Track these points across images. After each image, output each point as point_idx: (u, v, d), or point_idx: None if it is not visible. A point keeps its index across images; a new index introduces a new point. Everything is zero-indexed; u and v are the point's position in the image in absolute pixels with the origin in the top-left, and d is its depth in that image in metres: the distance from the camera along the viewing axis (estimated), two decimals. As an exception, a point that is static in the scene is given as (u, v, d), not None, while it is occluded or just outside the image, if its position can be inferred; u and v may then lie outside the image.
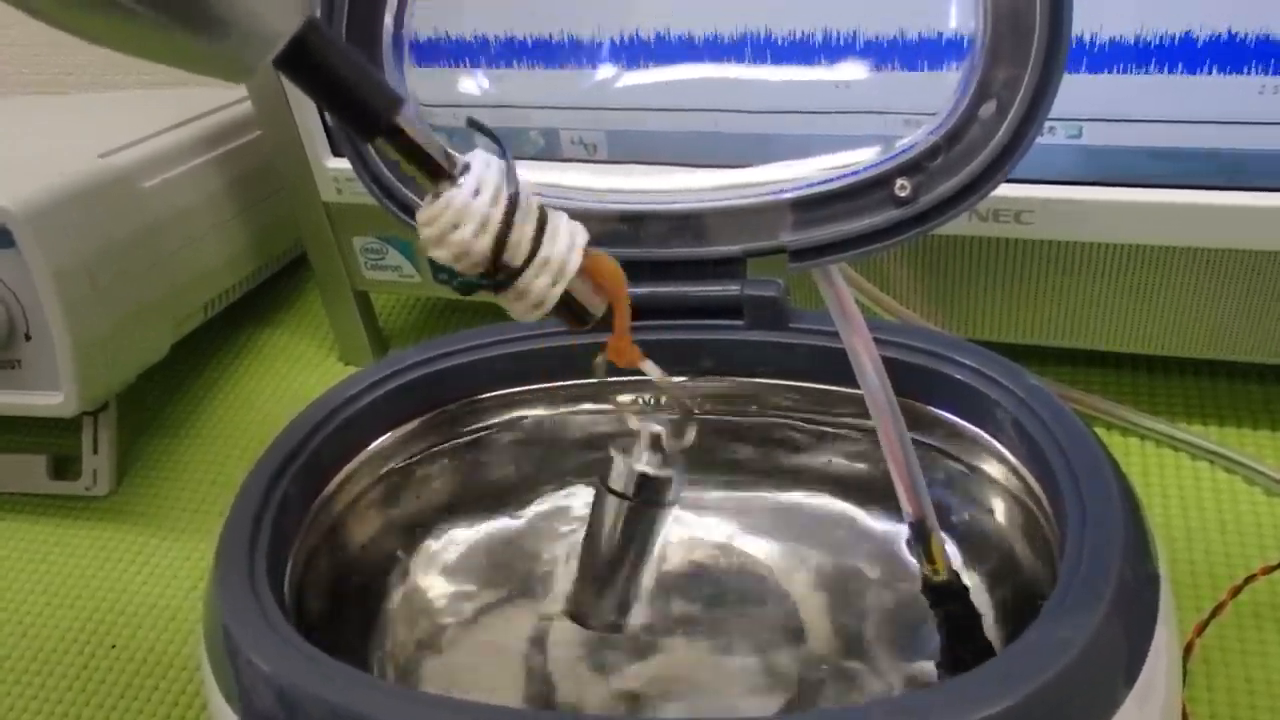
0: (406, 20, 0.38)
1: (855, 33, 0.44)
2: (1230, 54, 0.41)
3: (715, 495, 0.43)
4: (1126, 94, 0.42)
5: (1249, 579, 0.43)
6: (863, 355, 0.33)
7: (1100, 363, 0.56)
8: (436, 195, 0.27)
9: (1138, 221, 0.45)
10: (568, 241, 0.29)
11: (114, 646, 0.50)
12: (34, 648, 0.50)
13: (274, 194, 0.68)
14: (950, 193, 0.34)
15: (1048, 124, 0.34)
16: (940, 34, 0.43)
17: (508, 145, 0.28)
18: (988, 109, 0.33)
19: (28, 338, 0.53)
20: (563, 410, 0.42)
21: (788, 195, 0.36)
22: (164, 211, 0.59)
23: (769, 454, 0.42)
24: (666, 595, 0.40)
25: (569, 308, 0.29)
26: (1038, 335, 0.52)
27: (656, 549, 0.35)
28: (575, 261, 0.29)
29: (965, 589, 0.36)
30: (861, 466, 0.41)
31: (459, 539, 0.42)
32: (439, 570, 0.42)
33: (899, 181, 0.34)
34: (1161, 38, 0.41)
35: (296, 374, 0.67)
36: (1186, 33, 0.41)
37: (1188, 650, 0.41)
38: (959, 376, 0.36)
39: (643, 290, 0.38)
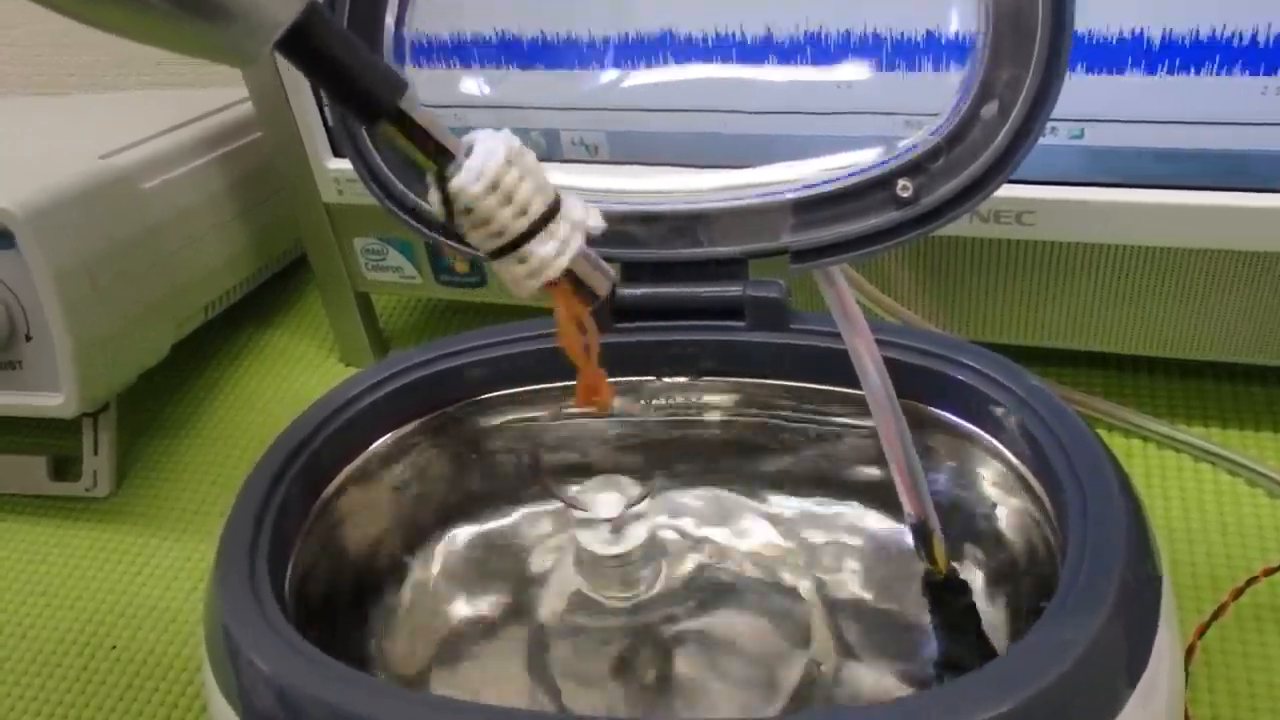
0: (407, 20, 0.38)
1: (857, 33, 0.44)
2: (1232, 55, 0.41)
3: (714, 495, 0.43)
4: (1128, 95, 0.42)
5: (1250, 581, 0.43)
6: (864, 356, 0.33)
7: (1102, 364, 0.56)
8: (444, 179, 0.27)
9: (1139, 222, 0.45)
10: (581, 210, 0.29)
11: (114, 647, 0.49)
12: (34, 649, 0.50)
13: (274, 195, 0.68)
14: (952, 194, 0.34)
15: (1049, 124, 0.34)
16: (942, 34, 0.43)
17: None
18: (990, 110, 0.33)
19: (28, 338, 0.53)
20: (564, 410, 0.42)
21: (789, 196, 0.36)
22: (164, 212, 0.59)
23: (769, 454, 0.42)
24: (667, 597, 0.40)
25: (574, 284, 0.29)
26: (1039, 336, 0.52)
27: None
28: (597, 218, 0.29)
29: (966, 589, 0.36)
30: (863, 467, 0.41)
31: (459, 540, 0.42)
32: (439, 571, 0.41)
33: (901, 182, 0.34)
34: (1163, 38, 0.41)
35: (297, 375, 0.67)
36: (1188, 33, 0.41)
37: (1189, 652, 0.41)
38: (960, 377, 0.36)
39: (644, 291, 0.38)
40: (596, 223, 0.29)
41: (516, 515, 0.43)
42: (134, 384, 0.58)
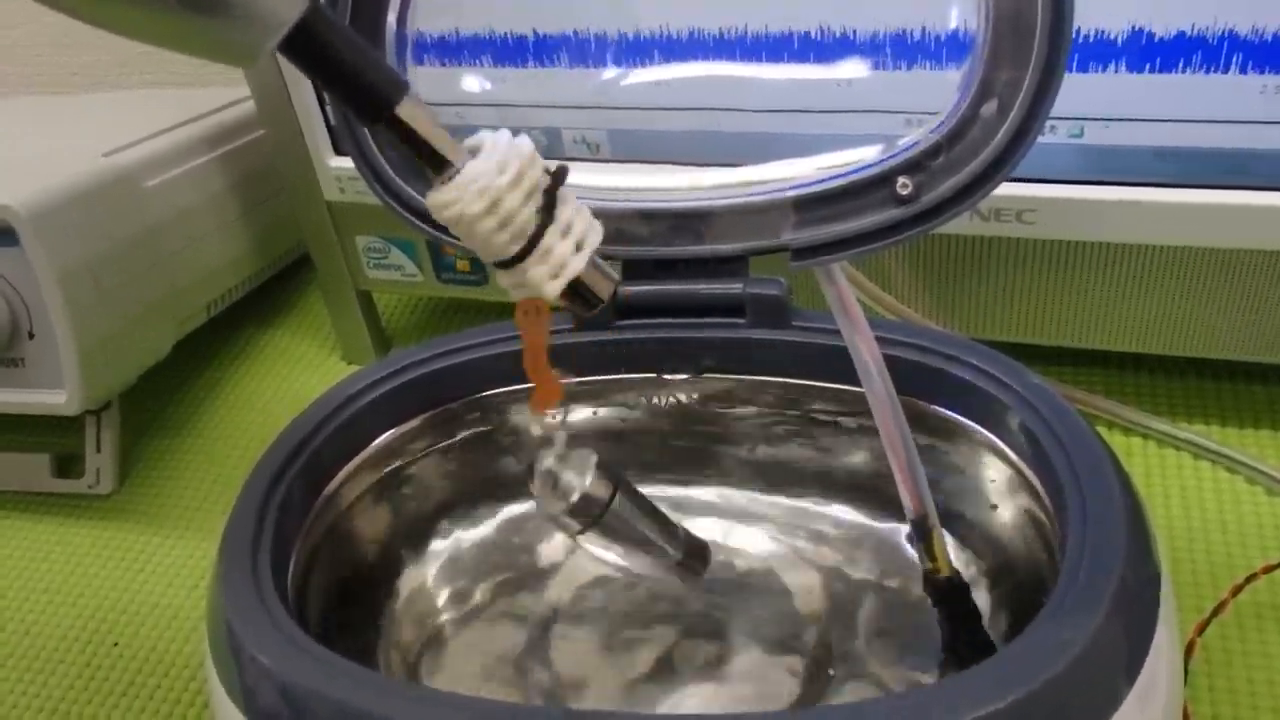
0: (409, 18, 0.38)
1: (857, 31, 0.44)
2: (1232, 53, 0.41)
3: (715, 493, 0.43)
4: (1128, 93, 0.42)
5: (1250, 578, 0.43)
6: (865, 353, 0.33)
7: (1102, 362, 0.56)
8: (445, 180, 0.27)
9: (1139, 221, 0.45)
10: (586, 221, 0.29)
11: (116, 645, 0.50)
12: (36, 646, 0.50)
13: (276, 194, 0.68)
14: (952, 191, 0.34)
15: (1049, 123, 0.34)
16: (942, 33, 0.43)
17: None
18: (989, 108, 0.33)
19: (31, 336, 0.53)
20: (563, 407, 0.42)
21: (790, 194, 0.36)
22: (167, 211, 0.59)
23: (771, 452, 0.42)
24: (667, 592, 0.40)
25: (577, 292, 0.29)
26: (1039, 334, 0.52)
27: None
28: (597, 229, 0.29)
29: (966, 586, 0.36)
30: (863, 465, 0.41)
31: (461, 536, 0.42)
32: (441, 567, 0.42)
33: (901, 180, 0.34)
34: (1163, 37, 0.41)
35: (299, 374, 0.67)
36: (1187, 32, 0.41)
37: (1189, 650, 0.41)
38: (961, 375, 0.36)
39: (645, 288, 0.38)
40: (595, 237, 0.29)
41: (517, 512, 0.43)
42: (136, 382, 0.58)
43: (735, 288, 0.38)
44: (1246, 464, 0.49)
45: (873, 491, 0.41)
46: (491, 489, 0.43)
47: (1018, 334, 0.52)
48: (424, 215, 0.39)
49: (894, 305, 0.53)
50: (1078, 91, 0.42)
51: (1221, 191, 0.43)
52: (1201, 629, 0.41)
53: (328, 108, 0.55)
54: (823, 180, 0.36)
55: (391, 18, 0.38)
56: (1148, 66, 0.42)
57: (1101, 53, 0.42)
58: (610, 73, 0.48)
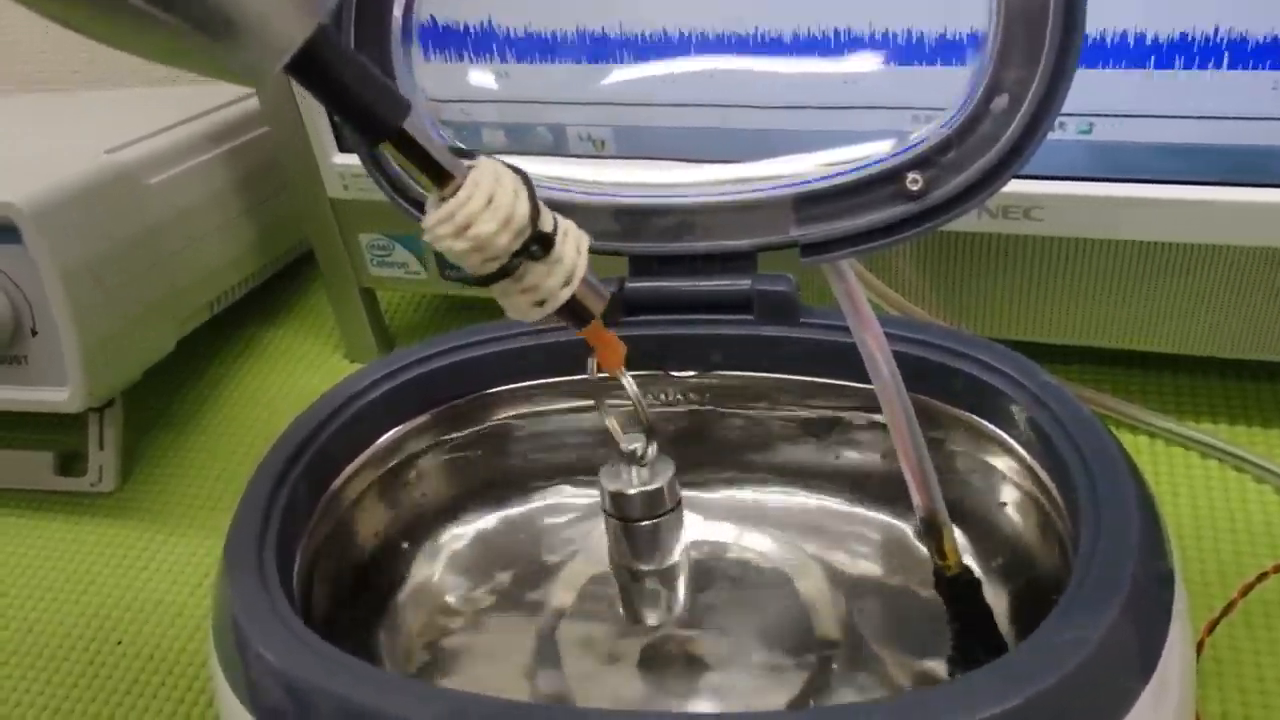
0: (415, 12, 0.38)
1: (865, 27, 0.43)
2: (1242, 51, 0.40)
3: (724, 491, 0.43)
4: (1137, 90, 0.42)
5: (1260, 577, 0.43)
6: (874, 350, 0.33)
7: (1110, 360, 0.55)
8: (442, 199, 0.27)
9: (1148, 218, 0.45)
10: (576, 242, 0.29)
11: (120, 643, 0.49)
12: (40, 644, 0.50)
13: (280, 191, 0.68)
14: (962, 187, 0.34)
15: (1058, 119, 0.34)
16: (952, 29, 0.42)
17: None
18: (999, 104, 0.33)
19: (34, 333, 0.53)
20: (569, 405, 0.42)
21: (799, 189, 0.36)
22: (170, 208, 0.59)
23: (779, 449, 0.42)
24: (675, 590, 0.40)
25: (570, 309, 0.30)
26: (1046, 332, 0.52)
27: (678, 548, 0.37)
28: (584, 264, 0.30)
29: (978, 583, 0.36)
30: (873, 462, 0.41)
31: (466, 533, 0.42)
32: (447, 564, 0.41)
33: (910, 176, 0.34)
34: (1173, 34, 0.41)
35: (301, 372, 0.67)
36: (1198, 29, 0.41)
37: (1198, 649, 0.40)
38: (972, 372, 0.36)
39: (652, 284, 0.38)
40: (584, 266, 0.30)
41: (523, 509, 0.43)
42: (139, 380, 0.58)
43: (743, 284, 0.38)
44: (1255, 463, 0.49)
45: (882, 488, 0.40)
46: (497, 486, 0.43)
47: (1025, 332, 0.52)
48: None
49: (901, 302, 0.53)
50: (1087, 88, 0.42)
51: (1231, 189, 0.43)
52: (1211, 628, 0.41)
53: (332, 104, 0.55)
54: (831, 176, 0.35)
55: (397, 13, 0.38)
56: (1158, 63, 0.41)
57: (1112, 49, 0.42)
58: (616, 69, 0.48)
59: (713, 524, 0.42)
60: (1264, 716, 0.39)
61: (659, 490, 0.36)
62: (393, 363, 0.40)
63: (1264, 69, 0.41)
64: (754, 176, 0.37)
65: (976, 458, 0.37)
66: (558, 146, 0.51)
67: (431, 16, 0.48)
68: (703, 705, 0.37)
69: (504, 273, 0.28)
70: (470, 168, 0.27)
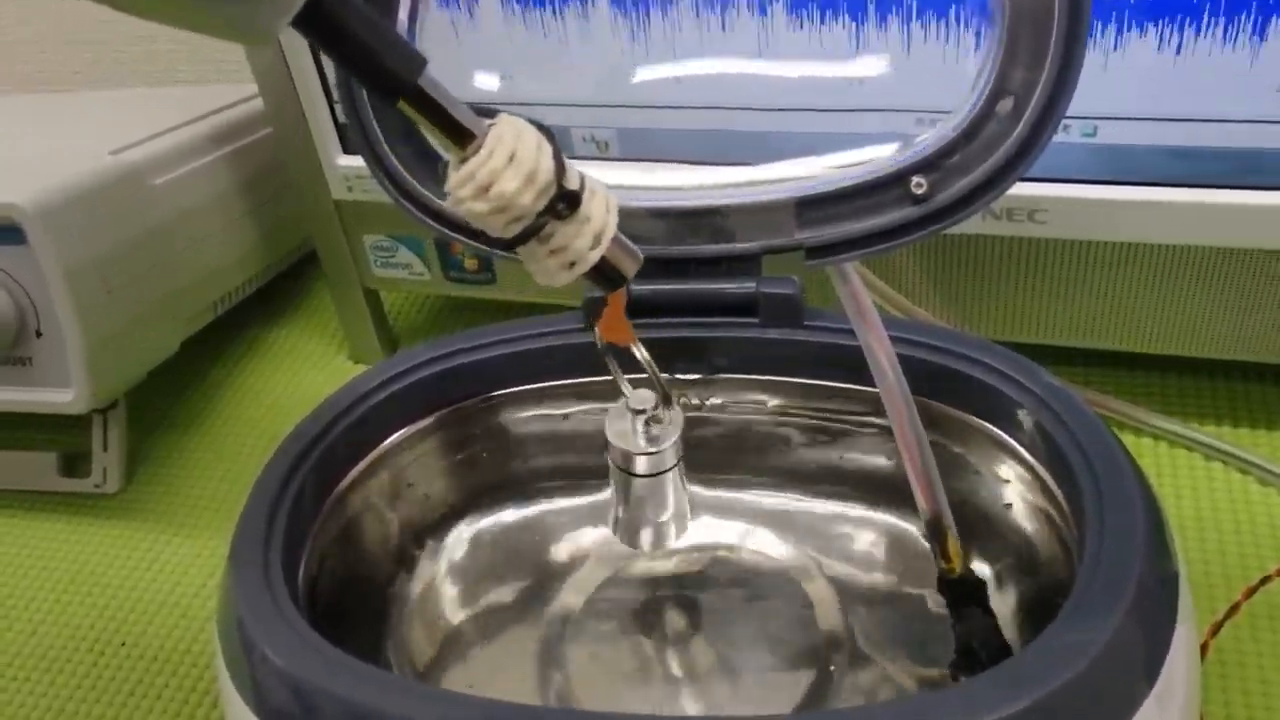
0: (420, 17, 0.38)
1: (870, 29, 0.43)
2: (1245, 53, 0.41)
3: (729, 494, 0.43)
4: (1141, 92, 0.42)
5: (1264, 580, 0.43)
6: (879, 353, 0.33)
7: (1113, 363, 0.55)
8: (462, 160, 0.26)
9: (1152, 220, 0.45)
10: (605, 200, 0.28)
11: (124, 644, 0.49)
12: (44, 645, 0.50)
13: (283, 191, 0.68)
14: (966, 190, 0.34)
15: (1062, 122, 0.34)
16: (956, 31, 0.42)
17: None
18: (1004, 106, 0.33)
19: (38, 334, 0.53)
20: (575, 408, 0.42)
21: (804, 192, 0.36)
22: (174, 209, 0.59)
23: (784, 452, 0.42)
24: (680, 593, 0.40)
25: (601, 271, 0.29)
26: (1050, 334, 0.52)
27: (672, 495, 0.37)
28: (614, 223, 0.28)
29: (982, 586, 0.36)
30: (877, 464, 0.41)
31: (472, 535, 0.42)
32: (452, 566, 0.41)
33: (915, 179, 0.34)
34: (1177, 37, 0.41)
35: (305, 372, 0.67)
36: (1201, 32, 0.41)
37: (1202, 651, 0.40)
38: (976, 375, 0.36)
39: (657, 287, 0.38)
40: (613, 225, 0.29)
41: (529, 511, 0.43)
42: (143, 380, 0.58)
43: (748, 287, 0.38)
44: (1259, 465, 0.49)
45: (887, 491, 0.40)
46: (503, 489, 0.43)
47: (1029, 334, 0.52)
48: (433, 213, 0.39)
49: (905, 305, 0.53)
50: (1091, 90, 0.42)
51: (1234, 191, 0.43)
52: (1215, 630, 0.41)
53: (336, 106, 0.55)
54: (836, 179, 0.35)
55: (403, 15, 0.38)
56: (1161, 65, 0.41)
57: (1115, 51, 0.42)
58: (620, 70, 0.48)
59: (717, 526, 0.42)
60: (1267, 718, 0.39)
61: (664, 451, 0.35)
62: (398, 364, 0.40)
63: (1268, 71, 0.40)
64: (759, 179, 0.37)
65: (980, 460, 0.37)
66: (562, 149, 0.51)
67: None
68: (707, 709, 0.37)
69: (530, 233, 0.27)
70: (491, 125, 0.26)
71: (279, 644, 0.29)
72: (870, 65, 0.44)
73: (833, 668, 0.37)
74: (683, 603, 0.40)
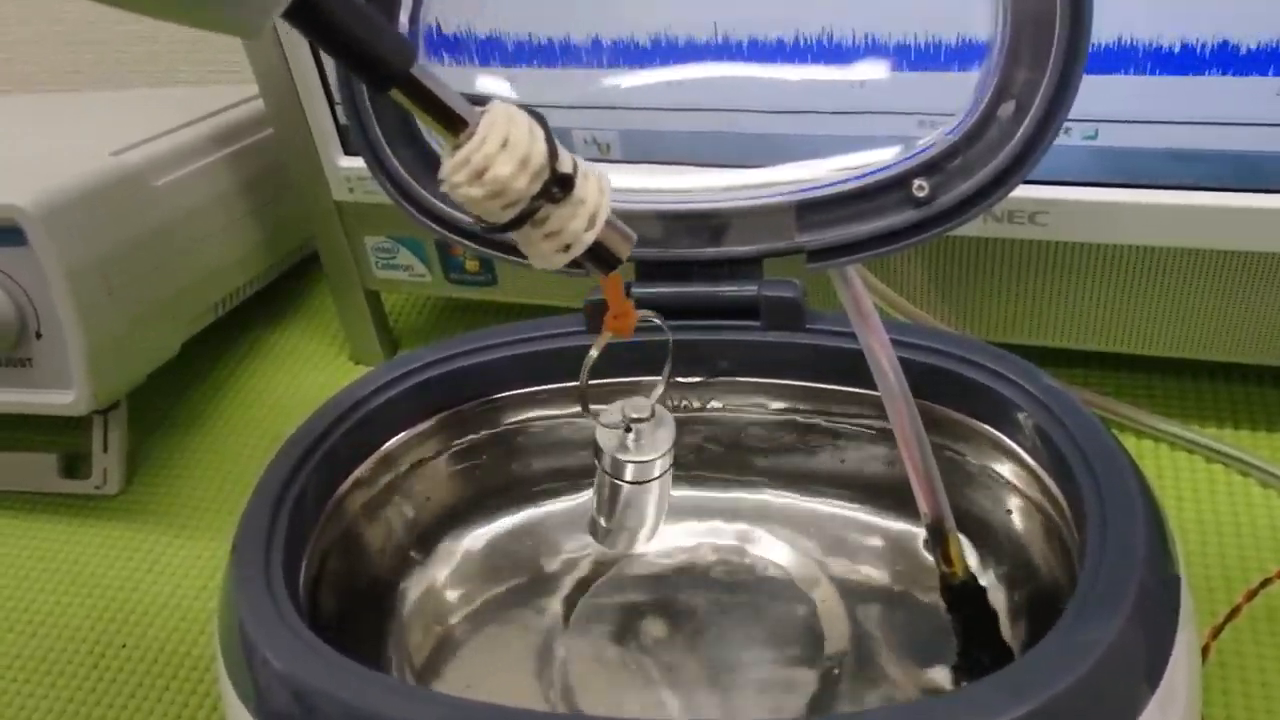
0: (421, 18, 0.38)
1: (873, 33, 0.43)
2: (1247, 57, 0.40)
3: (730, 496, 0.43)
4: (1143, 95, 0.42)
5: (1265, 582, 0.43)
6: (880, 356, 0.33)
7: (1114, 365, 0.55)
8: (456, 147, 0.26)
9: (1153, 223, 0.45)
10: (598, 182, 0.28)
11: (124, 646, 0.49)
12: (44, 647, 0.50)
13: (285, 192, 0.68)
14: (968, 193, 0.34)
15: (1064, 125, 0.34)
16: (960, 35, 0.42)
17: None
18: (1006, 109, 0.33)
19: (39, 336, 0.53)
20: (576, 411, 0.42)
21: (805, 195, 0.36)
22: (175, 209, 0.59)
23: (785, 455, 0.42)
24: (683, 595, 0.40)
25: (595, 253, 0.29)
26: (1051, 337, 0.52)
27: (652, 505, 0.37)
28: (608, 205, 0.28)
29: (983, 590, 0.36)
30: (878, 468, 0.41)
31: (473, 538, 0.42)
32: (453, 569, 0.41)
33: (917, 182, 0.34)
34: (1178, 40, 0.41)
35: (306, 373, 0.67)
36: (1203, 35, 0.41)
37: (1203, 654, 0.40)
38: (977, 378, 0.36)
39: (658, 290, 0.38)
40: (607, 208, 0.29)
41: (530, 513, 0.43)
42: (144, 382, 0.58)
43: (750, 290, 0.38)
44: (1260, 467, 0.49)
45: (888, 495, 0.40)
46: (503, 492, 0.43)
47: (1030, 336, 0.52)
48: (434, 214, 0.39)
49: (906, 307, 0.53)
50: (1093, 93, 0.42)
51: (1236, 194, 0.43)
52: (1216, 633, 0.41)
53: (337, 108, 0.55)
54: (838, 182, 0.36)
55: (404, 18, 0.38)
56: (1163, 69, 0.41)
57: (1117, 54, 0.42)
58: (622, 73, 0.48)
59: (719, 529, 0.42)
60: (1269, 722, 0.39)
61: (650, 461, 0.35)
62: (399, 367, 0.40)
63: (1268, 74, 0.40)
64: (760, 182, 0.37)
65: (982, 464, 0.37)
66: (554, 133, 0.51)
67: (437, 23, 0.48)
68: (708, 713, 0.37)
69: (525, 217, 0.27)
70: (483, 112, 0.26)
71: (280, 646, 0.29)
72: (872, 68, 0.44)
73: (836, 671, 0.37)
74: (684, 606, 0.40)
